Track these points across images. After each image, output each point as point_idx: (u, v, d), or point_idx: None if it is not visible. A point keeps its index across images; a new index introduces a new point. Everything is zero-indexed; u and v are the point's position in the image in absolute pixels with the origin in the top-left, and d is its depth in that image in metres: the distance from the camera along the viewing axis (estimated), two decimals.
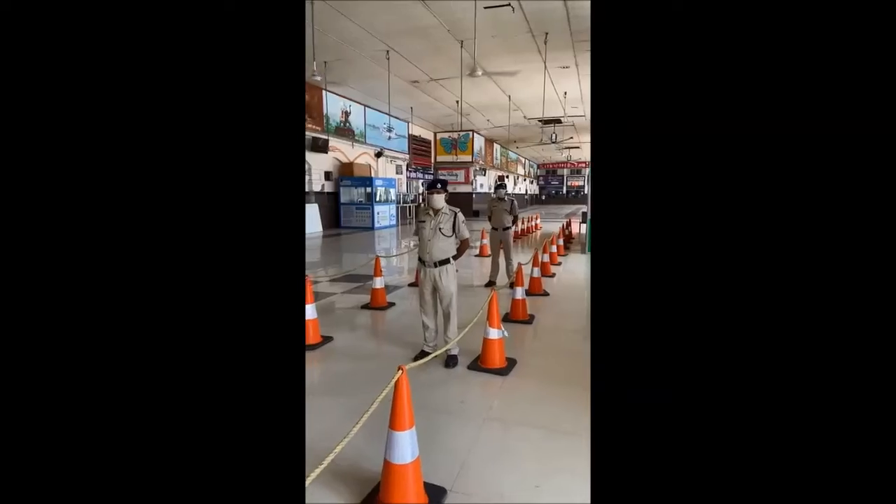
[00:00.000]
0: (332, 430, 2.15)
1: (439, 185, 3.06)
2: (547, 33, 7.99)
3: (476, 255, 7.91)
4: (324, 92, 12.20)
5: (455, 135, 19.31)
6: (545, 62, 9.25)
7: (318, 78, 7.96)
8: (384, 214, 13.97)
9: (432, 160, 20.04)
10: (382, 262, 4.79)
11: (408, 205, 16.71)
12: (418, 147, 18.68)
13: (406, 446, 1.59)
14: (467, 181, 20.01)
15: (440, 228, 3.00)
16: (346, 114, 13.59)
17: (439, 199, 3.04)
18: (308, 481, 1.38)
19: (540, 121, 16.03)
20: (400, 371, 1.62)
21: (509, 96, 12.78)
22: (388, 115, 14.40)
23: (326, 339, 3.52)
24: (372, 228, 13.15)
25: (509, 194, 7.86)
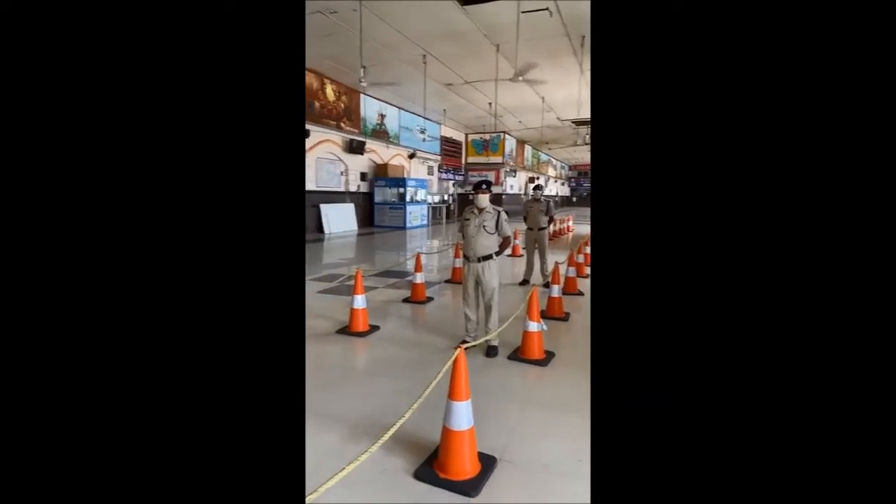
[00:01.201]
0: (387, 406, 2.39)
1: (484, 186, 3.26)
2: (584, 36, 8.06)
3: (508, 255, 8.05)
4: (361, 95, 12.63)
5: (486, 136, 19.45)
6: (581, 64, 9.30)
7: (364, 84, 8.29)
8: (416, 214, 14.28)
9: (463, 161, 20.25)
10: (421, 259, 5.03)
11: (438, 205, 16.99)
12: (449, 148, 18.93)
13: (463, 415, 1.79)
14: (497, 182, 20.10)
15: (484, 226, 3.20)
16: (382, 116, 13.98)
17: (484, 199, 3.24)
18: (375, 447, 1.61)
19: (573, 122, 15.97)
20: (458, 349, 1.83)
21: (543, 98, 12.83)
22: (423, 117, 14.73)
23: (374, 328, 3.78)
24: (404, 228, 13.48)
25: (545, 196, 7.98)
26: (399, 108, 14.50)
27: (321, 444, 2.04)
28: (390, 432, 1.63)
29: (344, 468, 1.49)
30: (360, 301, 3.72)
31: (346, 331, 3.71)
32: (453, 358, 1.83)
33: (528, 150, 24.28)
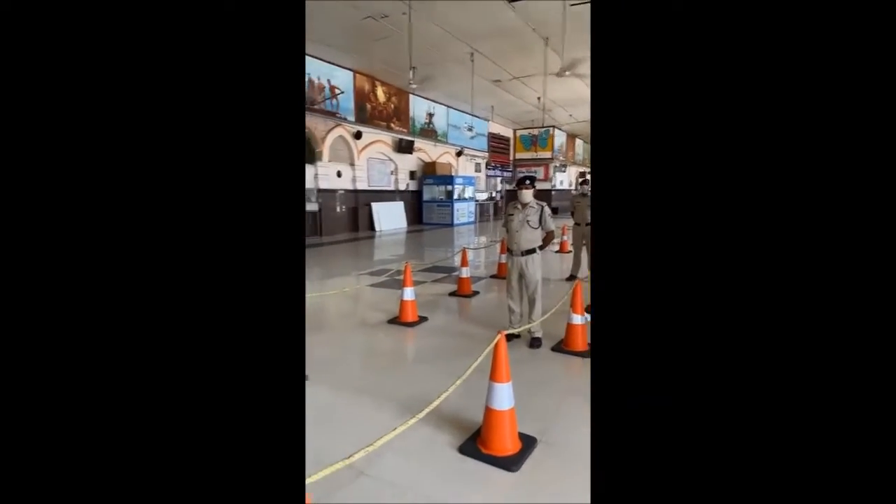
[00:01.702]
0: (433, 387, 2.55)
1: (528, 182, 3.34)
2: None
3: (556, 252, 8.00)
4: (410, 96, 12.97)
5: (535, 131, 19.19)
6: None
7: (414, 86, 8.55)
8: (463, 211, 14.45)
9: (511, 157, 20.13)
10: (467, 254, 5.18)
11: (486, 202, 17.05)
12: (497, 144, 18.90)
13: (504, 396, 1.92)
14: (546, 178, 19.78)
15: (528, 221, 3.28)
16: (430, 115, 14.27)
17: (527, 194, 3.32)
18: (413, 420, 1.76)
19: None
20: (499, 335, 1.96)
21: None
22: (471, 114, 14.85)
23: (423, 319, 3.98)
24: (452, 225, 13.69)
25: None
26: (447, 106, 14.72)
27: (375, 419, 2.25)
28: (433, 405, 1.78)
29: (383, 436, 1.67)
30: (409, 293, 3.93)
31: (396, 321, 3.93)
32: (494, 342, 1.95)
33: (579, 144, 23.64)
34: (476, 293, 5.03)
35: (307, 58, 9.45)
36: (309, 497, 0.99)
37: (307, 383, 2.72)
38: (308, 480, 1.06)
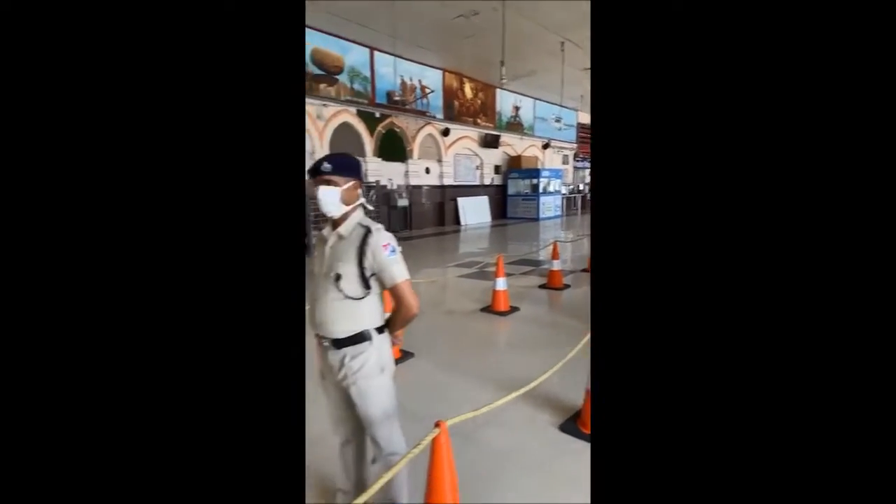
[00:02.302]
0: (532, 371, 2.67)
1: None
2: None
3: None
4: (497, 90, 13.03)
5: None
6: None
7: (505, 81, 8.61)
8: (549, 205, 14.17)
9: None
10: (558, 248, 5.16)
11: (573, 195, 16.52)
12: (586, 135, 18.15)
13: None
14: None
15: None
16: (517, 108, 14.19)
17: None
18: (511, 396, 1.86)
19: None
20: None
21: None
22: (559, 105, 14.48)
23: (514, 309, 4.10)
24: (537, 219, 13.52)
25: None
26: (534, 98, 14.50)
27: (477, 394, 2.44)
28: (534, 383, 1.89)
29: (480, 409, 1.82)
30: (501, 283, 4.07)
31: (488, 310, 4.10)
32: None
33: None
34: (567, 286, 5.01)
35: (400, 60, 9.98)
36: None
37: (413, 359, 3.00)
38: (423, 442, 1.24)
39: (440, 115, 11.58)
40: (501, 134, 13.55)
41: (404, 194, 11.03)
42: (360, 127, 10.07)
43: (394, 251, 1.33)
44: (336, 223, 1.36)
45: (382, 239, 1.32)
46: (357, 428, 1.48)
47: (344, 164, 1.35)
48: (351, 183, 1.35)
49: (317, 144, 9.25)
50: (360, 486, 1.52)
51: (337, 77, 9.36)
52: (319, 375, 1.46)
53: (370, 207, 1.48)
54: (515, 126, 14.25)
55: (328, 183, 1.32)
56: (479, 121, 12.85)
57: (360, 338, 1.33)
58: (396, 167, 10.94)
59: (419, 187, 11.59)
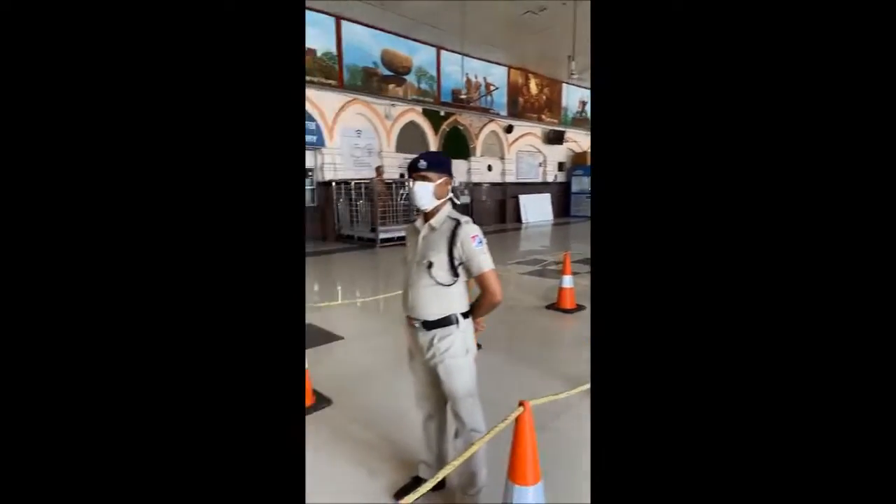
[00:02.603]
0: None
1: None
2: None
3: None
4: (563, 85, 12.74)
5: None
6: None
7: (576, 76, 8.43)
8: None
9: None
10: None
11: None
12: None
13: None
14: None
15: None
16: (584, 103, 13.77)
17: None
18: (577, 390, 1.89)
19: None
20: None
21: None
22: None
23: (580, 307, 4.06)
24: None
25: None
26: None
27: (545, 389, 2.47)
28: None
29: (559, 393, 1.86)
30: (568, 281, 4.05)
31: (554, 307, 4.09)
32: None
33: None
34: None
35: (465, 59, 10.09)
36: None
37: (481, 351, 3.09)
38: (508, 419, 1.30)
39: (504, 112, 11.55)
40: (566, 130, 13.23)
41: (466, 191, 11.17)
42: (426, 125, 10.33)
43: (481, 242, 1.43)
44: (427, 215, 1.48)
45: (471, 231, 1.42)
46: (440, 405, 1.60)
47: (437, 161, 1.47)
48: (443, 179, 1.46)
49: (384, 143, 9.64)
50: (441, 460, 1.65)
51: (405, 77, 9.68)
52: (408, 355, 1.60)
53: (458, 202, 1.58)
54: (581, 122, 13.84)
55: (423, 179, 1.44)
56: (543, 117, 12.65)
57: (447, 321, 1.44)
58: (459, 165, 11.09)
59: (479, 185, 11.66)
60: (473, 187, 11.39)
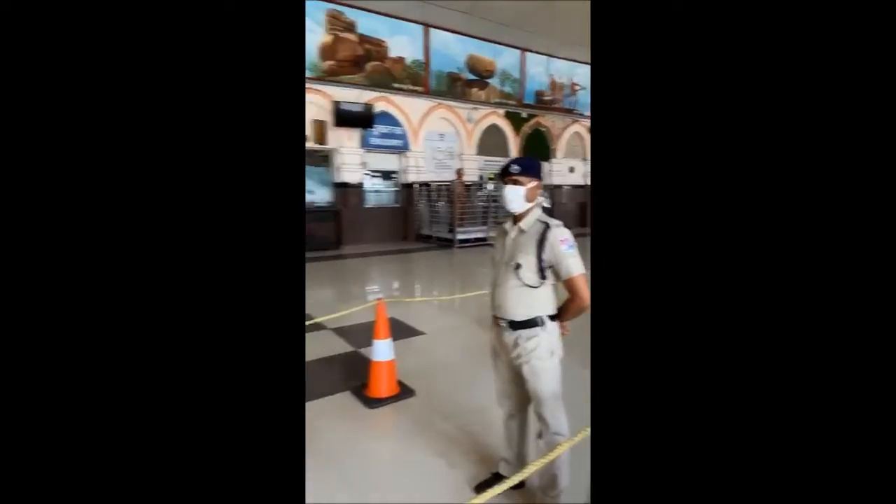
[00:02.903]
0: None
1: None
2: None
3: None
4: None
5: None
6: None
7: None
8: None
9: None
10: None
11: None
12: None
13: None
14: None
15: None
16: None
17: None
18: None
19: None
20: None
21: None
22: None
23: None
24: None
25: None
26: None
27: None
28: None
29: None
30: None
31: None
32: None
33: None
34: None
35: (551, 59, 9.91)
36: None
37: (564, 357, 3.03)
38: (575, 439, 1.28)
39: (588, 112, 11.14)
40: None
41: (546, 194, 10.95)
42: (507, 127, 10.33)
43: (571, 246, 1.43)
44: (517, 218, 1.52)
45: (561, 234, 1.43)
46: (522, 404, 1.63)
47: (529, 165, 1.50)
48: (534, 183, 1.49)
49: (465, 146, 9.81)
50: (521, 459, 1.68)
51: (488, 81, 9.77)
52: (492, 353, 1.65)
53: (547, 205, 1.60)
54: None
55: (515, 182, 1.48)
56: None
57: (533, 322, 1.47)
58: None
59: (559, 187, 11.36)
60: (554, 190, 11.13)
